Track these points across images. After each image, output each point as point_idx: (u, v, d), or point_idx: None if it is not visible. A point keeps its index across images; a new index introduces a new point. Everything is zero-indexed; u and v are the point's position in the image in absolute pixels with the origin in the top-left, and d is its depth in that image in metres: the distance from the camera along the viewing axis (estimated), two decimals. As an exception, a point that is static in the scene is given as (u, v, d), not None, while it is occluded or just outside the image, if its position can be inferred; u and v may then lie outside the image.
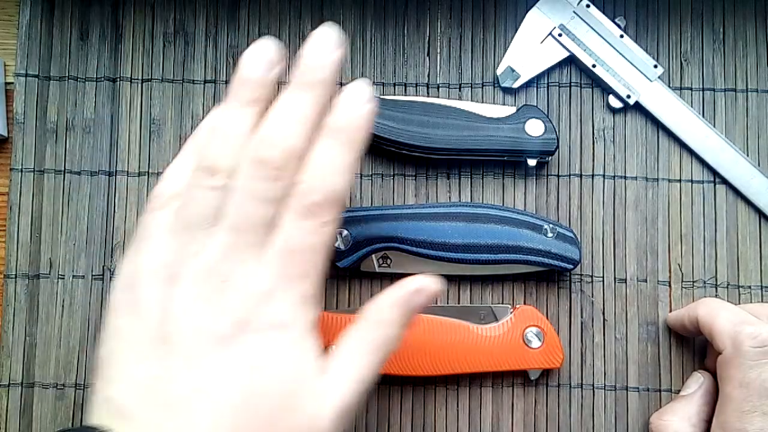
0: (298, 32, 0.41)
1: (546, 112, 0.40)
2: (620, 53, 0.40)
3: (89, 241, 0.40)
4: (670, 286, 0.40)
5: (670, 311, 0.39)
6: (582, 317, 0.39)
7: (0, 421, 0.38)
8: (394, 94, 0.41)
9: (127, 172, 0.40)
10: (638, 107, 0.40)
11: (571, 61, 0.41)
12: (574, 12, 0.40)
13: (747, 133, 0.40)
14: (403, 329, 0.29)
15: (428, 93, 0.41)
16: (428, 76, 0.41)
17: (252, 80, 0.28)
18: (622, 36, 0.40)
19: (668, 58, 0.41)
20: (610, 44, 0.40)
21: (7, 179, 0.40)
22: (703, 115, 0.40)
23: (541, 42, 0.40)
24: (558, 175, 0.40)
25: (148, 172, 0.40)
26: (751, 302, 0.39)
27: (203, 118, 0.40)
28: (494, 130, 0.38)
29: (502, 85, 0.40)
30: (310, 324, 0.27)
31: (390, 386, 0.39)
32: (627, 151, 0.40)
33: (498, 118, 0.39)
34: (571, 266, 0.37)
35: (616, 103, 0.40)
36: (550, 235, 0.37)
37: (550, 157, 0.40)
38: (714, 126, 0.40)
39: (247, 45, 0.40)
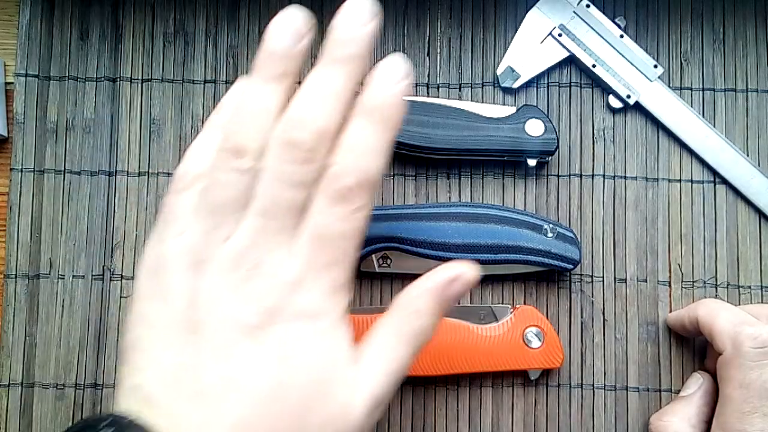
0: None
1: (546, 112, 0.40)
2: (620, 53, 0.40)
3: (89, 241, 0.40)
4: (670, 286, 0.40)
5: (670, 311, 0.39)
6: (582, 317, 0.39)
7: (0, 421, 0.38)
8: (394, 94, 0.41)
9: (127, 172, 0.40)
10: (638, 107, 0.40)
11: (571, 61, 0.41)
12: (574, 12, 0.40)
13: (747, 133, 0.40)
14: (438, 320, 0.28)
15: (428, 93, 0.41)
16: (428, 76, 0.41)
17: (278, 53, 0.26)
18: (622, 36, 0.40)
19: (668, 58, 0.41)
20: (610, 44, 0.40)
21: (7, 179, 0.40)
22: (703, 115, 0.40)
23: (541, 42, 0.40)
24: (558, 175, 0.40)
25: (148, 172, 0.40)
26: (751, 302, 0.39)
27: (203, 118, 0.40)
28: (494, 130, 0.38)
29: (502, 85, 0.40)
30: (342, 313, 0.26)
31: (390, 386, 0.39)
32: (627, 151, 0.40)
33: (498, 118, 0.39)
34: (571, 266, 0.37)
35: (616, 103, 0.40)
36: (550, 235, 0.37)
37: (550, 157, 0.40)
38: (714, 126, 0.40)
39: (247, 45, 0.41)
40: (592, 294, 0.39)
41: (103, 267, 0.40)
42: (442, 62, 0.41)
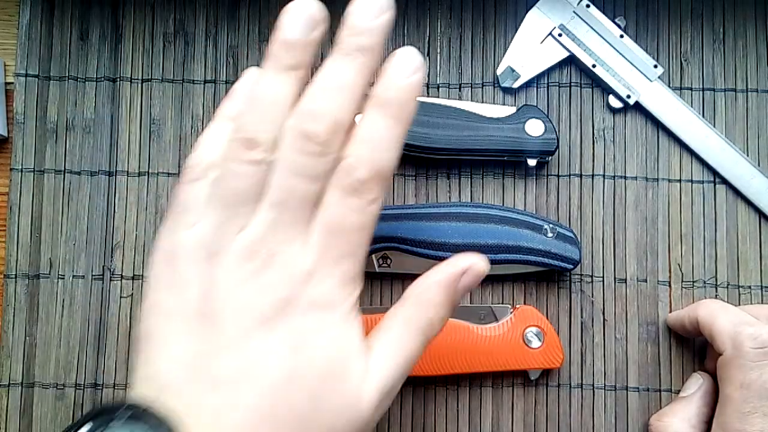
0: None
1: (546, 112, 0.40)
2: (620, 53, 0.40)
3: (89, 241, 0.40)
4: (670, 286, 0.40)
5: (670, 311, 0.39)
6: (582, 317, 0.39)
7: (0, 421, 0.38)
8: (394, 94, 0.41)
9: (127, 172, 0.40)
10: (638, 107, 0.40)
11: (571, 61, 0.41)
12: (574, 12, 0.40)
13: (747, 133, 0.40)
14: (449, 311, 0.28)
15: (428, 93, 0.41)
16: (428, 76, 0.41)
17: (292, 42, 0.26)
18: (622, 36, 0.40)
19: (668, 58, 0.41)
20: (610, 44, 0.40)
21: (7, 179, 0.40)
22: (703, 115, 0.40)
23: (541, 42, 0.40)
24: (558, 175, 0.40)
25: (148, 172, 0.40)
26: (751, 302, 0.39)
27: (203, 118, 0.40)
28: (494, 130, 0.38)
29: (502, 85, 0.40)
30: (353, 304, 0.27)
31: (390, 386, 0.39)
32: (627, 151, 0.40)
33: (498, 118, 0.39)
34: (571, 266, 0.37)
35: (616, 103, 0.40)
36: (550, 235, 0.37)
37: (550, 157, 0.40)
38: (714, 126, 0.40)
39: (247, 45, 0.41)
40: (592, 294, 0.39)
41: (103, 267, 0.40)
42: (442, 62, 0.41)
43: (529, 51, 0.40)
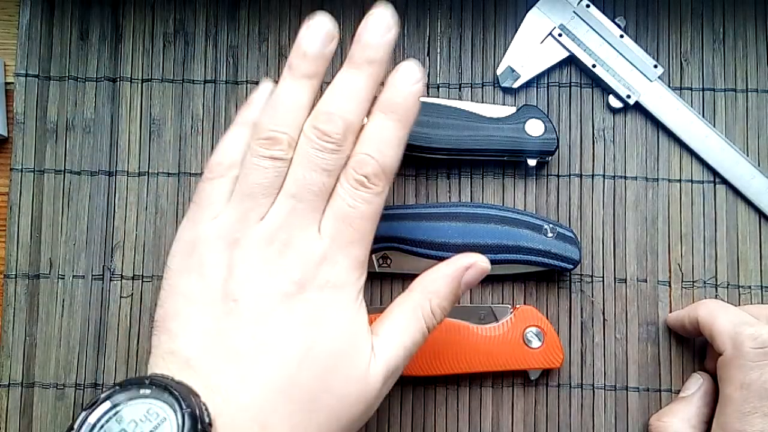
0: (298, 32, 0.41)
1: (546, 112, 0.40)
2: (620, 53, 0.40)
3: (89, 241, 0.40)
4: (670, 286, 0.40)
5: (670, 311, 0.39)
6: (582, 317, 0.39)
7: (0, 421, 0.38)
8: (394, 94, 0.41)
9: (127, 172, 0.40)
10: (638, 107, 0.40)
11: (571, 61, 0.41)
12: (574, 12, 0.40)
13: (747, 133, 0.40)
14: (452, 303, 0.31)
15: (428, 93, 0.41)
16: (428, 76, 0.41)
17: (310, 54, 0.30)
18: (622, 36, 0.40)
19: (668, 58, 0.41)
20: (610, 44, 0.40)
21: (7, 179, 0.40)
22: (703, 115, 0.40)
23: (541, 42, 0.40)
24: (558, 175, 0.40)
25: (148, 172, 0.40)
26: (751, 302, 0.39)
27: (203, 118, 0.40)
28: (494, 130, 0.38)
29: (502, 85, 0.40)
30: (361, 288, 0.30)
31: (390, 386, 0.39)
32: (627, 151, 0.40)
33: (498, 118, 0.39)
34: (571, 266, 0.37)
35: (616, 103, 0.40)
36: (550, 235, 0.37)
37: (550, 157, 0.40)
38: (714, 126, 0.40)
39: (247, 45, 0.41)
40: (592, 294, 0.39)
41: (103, 267, 0.40)
42: (442, 62, 0.41)
43: (529, 51, 0.40)
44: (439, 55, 0.41)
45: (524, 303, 0.39)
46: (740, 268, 0.39)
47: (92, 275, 0.40)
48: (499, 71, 0.40)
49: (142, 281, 0.40)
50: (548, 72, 0.41)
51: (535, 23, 0.40)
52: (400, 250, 0.37)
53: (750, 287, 0.39)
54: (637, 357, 0.39)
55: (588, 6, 0.40)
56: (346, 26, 0.41)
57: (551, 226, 0.37)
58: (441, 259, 0.37)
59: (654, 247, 0.40)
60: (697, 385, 0.37)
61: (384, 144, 0.29)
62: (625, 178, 0.40)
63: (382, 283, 0.40)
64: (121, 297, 0.39)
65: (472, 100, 0.41)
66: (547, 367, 0.38)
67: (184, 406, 0.24)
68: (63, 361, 0.39)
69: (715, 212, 0.40)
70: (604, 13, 0.40)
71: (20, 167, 0.40)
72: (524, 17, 0.40)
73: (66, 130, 0.40)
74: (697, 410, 0.36)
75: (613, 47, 0.40)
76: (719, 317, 0.35)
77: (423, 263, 0.37)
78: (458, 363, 0.37)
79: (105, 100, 0.41)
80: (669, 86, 0.40)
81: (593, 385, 0.39)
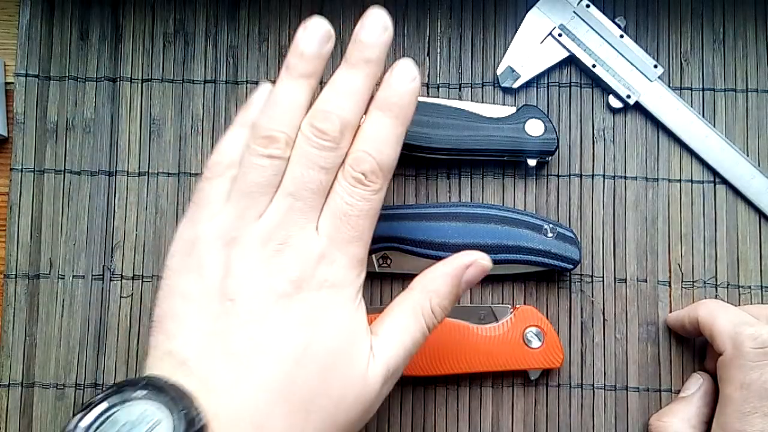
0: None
1: (546, 112, 0.40)
2: (620, 53, 0.40)
3: (89, 241, 0.40)
4: (670, 286, 0.40)
5: (670, 311, 0.39)
6: (582, 317, 0.39)
7: (0, 421, 0.38)
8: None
9: (127, 172, 0.40)
10: (638, 107, 0.40)
11: (571, 61, 0.41)
12: (574, 12, 0.40)
13: (747, 133, 0.40)
14: (452, 302, 0.31)
15: (428, 93, 0.41)
16: (428, 76, 0.41)
17: (308, 55, 0.30)
18: (622, 36, 0.40)
19: (668, 58, 0.41)
20: (610, 44, 0.40)
21: (7, 179, 0.40)
22: (703, 115, 0.40)
23: (541, 42, 0.40)
24: (558, 175, 0.40)
25: (148, 172, 0.40)
26: (751, 302, 0.39)
27: (203, 118, 0.40)
28: (494, 130, 0.38)
29: (502, 85, 0.40)
30: (359, 286, 0.29)
31: (390, 386, 0.39)
32: (627, 151, 0.40)
33: (498, 118, 0.39)
34: (571, 266, 0.37)
35: (616, 103, 0.40)
36: (550, 235, 0.37)
37: (550, 157, 0.40)
38: (714, 126, 0.40)
39: (247, 45, 0.41)
40: (592, 294, 0.39)
41: (103, 267, 0.40)
42: (442, 62, 0.41)
43: (529, 51, 0.40)
44: (439, 55, 0.41)
45: (524, 303, 0.39)
46: (740, 268, 0.39)
47: (92, 275, 0.40)
48: (499, 71, 0.40)
49: (142, 281, 0.40)
50: (548, 72, 0.41)
51: (535, 23, 0.40)
52: (400, 250, 0.37)
53: (750, 287, 0.39)
54: (637, 357, 0.39)
55: (588, 6, 0.40)
56: (346, 26, 0.41)
57: (551, 226, 0.37)
58: (441, 259, 0.37)
59: (654, 247, 0.40)
60: (697, 385, 0.37)
61: (381, 142, 0.29)
62: (625, 178, 0.40)
63: (382, 283, 0.40)
64: (121, 297, 0.39)
65: (472, 100, 0.41)
66: (547, 367, 0.38)
67: (179, 408, 0.24)
68: (63, 361, 0.39)
69: (715, 212, 0.40)
70: (604, 13, 0.40)
71: (20, 167, 0.40)
72: (524, 17, 0.40)
73: (66, 130, 0.40)
74: (697, 410, 0.36)
75: (613, 47, 0.40)
76: (719, 317, 0.35)
77: (423, 263, 0.37)
78: (458, 363, 0.37)
79: (105, 100, 0.41)
80: (669, 86, 0.40)
81: (593, 385, 0.39)
